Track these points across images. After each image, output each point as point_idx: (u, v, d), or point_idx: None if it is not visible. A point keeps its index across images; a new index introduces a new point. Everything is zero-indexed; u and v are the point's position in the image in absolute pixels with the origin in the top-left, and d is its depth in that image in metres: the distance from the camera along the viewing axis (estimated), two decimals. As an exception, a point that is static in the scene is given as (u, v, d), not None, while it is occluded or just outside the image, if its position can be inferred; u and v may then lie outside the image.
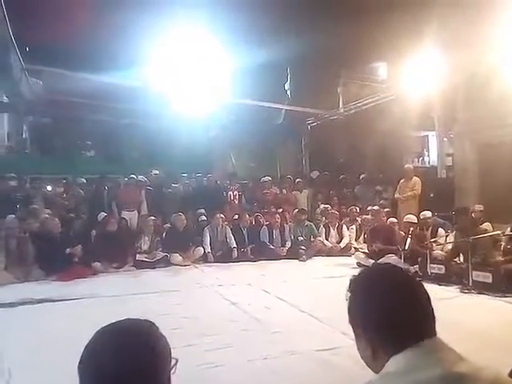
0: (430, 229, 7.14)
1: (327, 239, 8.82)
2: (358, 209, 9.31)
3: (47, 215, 7.60)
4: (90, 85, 9.32)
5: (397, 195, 8.91)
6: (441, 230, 7.10)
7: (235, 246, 8.19)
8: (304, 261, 8.08)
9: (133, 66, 9.41)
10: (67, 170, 10.71)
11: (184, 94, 10.71)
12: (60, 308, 5.07)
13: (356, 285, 1.15)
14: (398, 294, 1.09)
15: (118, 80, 9.61)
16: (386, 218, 7.85)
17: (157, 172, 9.61)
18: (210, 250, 8.08)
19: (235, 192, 9.74)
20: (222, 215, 8.55)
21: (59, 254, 6.76)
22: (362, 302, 1.12)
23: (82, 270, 6.80)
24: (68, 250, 6.97)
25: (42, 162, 10.94)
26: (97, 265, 7.08)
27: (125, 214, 8.68)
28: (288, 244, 8.56)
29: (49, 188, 9.25)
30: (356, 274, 1.18)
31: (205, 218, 8.70)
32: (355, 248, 8.39)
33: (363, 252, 7.54)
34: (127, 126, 11.74)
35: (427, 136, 12.65)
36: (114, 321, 1.01)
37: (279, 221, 8.68)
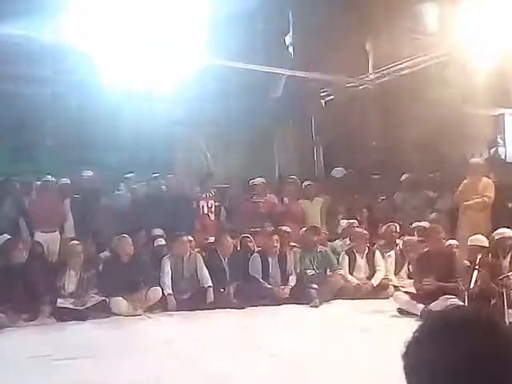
0: (510, 255, 7.19)
1: (352, 273, 8.85)
2: (398, 226, 9.37)
3: None
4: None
5: (458, 203, 8.99)
6: (524, 258, 7.14)
7: (210, 284, 8.21)
8: (316, 306, 8.10)
9: (45, 8, 9.38)
10: None
11: (130, 49, 10.72)
12: None
13: (425, 338, 1.20)
14: (492, 354, 1.13)
15: (23, 30, 9.57)
16: (443, 240, 7.85)
17: (89, 173, 9.61)
18: (171, 292, 8.08)
19: (210, 202, 9.80)
20: (189, 238, 8.56)
21: None
22: (443, 360, 1.15)
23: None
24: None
25: None
26: (-2, 317, 7.04)
27: (39, 237, 8.69)
28: (292, 281, 8.60)
29: None
30: (428, 319, 1.24)
31: (164, 243, 8.71)
32: (395, 286, 8.42)
33: (407, 292, 7.55)
34: (39, 99, 11.66)
35: (502, 116, 12.76)
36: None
37: (278, 245, 8.71)
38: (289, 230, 9.15)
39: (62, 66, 10.34)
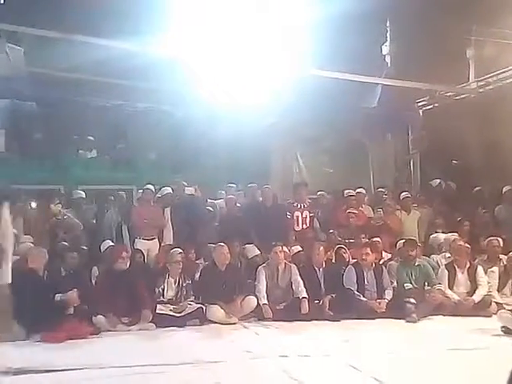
0: None
1: (452, 288, 8.52)
2: (500, 240, 8.97)
3: (31, 244, 7.93)
4: (93, 53, 9.71)
5: None
6: None
7: (305, 295, 8.14)
8: (414, 321, 7.84)
9: (155, 27, 9.71)
10: (58, 177, 11.19)
11: (229, 66, 10.90)
12: (47, 382, 5.18)
13: None
14: None
15: (134, 47, 9.94)
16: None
17: (191, 189, 9.81)
18: (266, 302, 8.07)
19: (304, 212, 9.75)
20: (284, 248, 8.54)
21: (46, 303, 6.98)
22: None
23: (78, 326, 6.93)
24: (59, 297, 7.19)
25: (23, 167, 11.55)
26: (100, 319, 7.23)
27: (140, 244, 8.92)
28: (388, 294, 8.39)
29: (33, 204, 9.70)
30: None
31: (258, 253, 8.74)
32: (498, 304, 8.06)
33: (512, 310, 7.19)
34: (144, 114, 12.12)
35: None
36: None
37: (374, 258, 8.55)
38: (380, 242, 9.08)
39: (165, 80, 10.64)
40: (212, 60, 10.62)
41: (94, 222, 9.62)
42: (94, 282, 7.98)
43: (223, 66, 10.76)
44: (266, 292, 8.15)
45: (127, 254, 8.01)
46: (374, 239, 9.13)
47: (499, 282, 8.49)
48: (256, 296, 8.09)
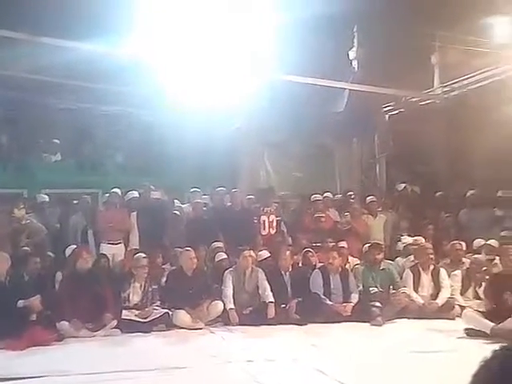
0: None
1: (416, 291, 8.62)
2: (463, 244, 9.14)
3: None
4: (58, 55, 9.60)
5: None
6: None
7: (272, 300, 8.15)
8: (380, 325, 7.92)
9: (123, 29, 9.64)
10: (22, 181, 11.02)
11: (196, 70, 10.88)
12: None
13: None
14: None
15: (100, 49, 9.86)
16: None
17: (156, 193, 9.76)
18: (232, 306, 8.07)
19: (271, 216, 9.78)
20: (251, 253, 8.53)
21: (8, 310, 6.86)
22: None
23: (41, 333, 6.84)
24: (21, 303, 7.06)
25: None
26: (64, 325, 7.14)
27: (105, 249, 8.83)
28: (354, 298, 8.45)
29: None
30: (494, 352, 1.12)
31: (225, 256, 8.72)
32: (461, 306, 8.15)
33: (478, 311, 7.26)
34: (110, 117, 12.01)
35: None
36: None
37: (340, 261, 8.59)
38: (346, 246, 9.10)
39: (132, 83, 10.57)
40: (179, 63, 10.59)
41: (58, 226, 9.51)
42: (57, 287, 7.86)
43: (191, 69, 10.73)
44: (233, 296, 8.14)
45: (88, 255, 7.97)
46: (341, 243, 9.19)
47: (462, 286, 8.59)
48: (223, 300, 8.08)
